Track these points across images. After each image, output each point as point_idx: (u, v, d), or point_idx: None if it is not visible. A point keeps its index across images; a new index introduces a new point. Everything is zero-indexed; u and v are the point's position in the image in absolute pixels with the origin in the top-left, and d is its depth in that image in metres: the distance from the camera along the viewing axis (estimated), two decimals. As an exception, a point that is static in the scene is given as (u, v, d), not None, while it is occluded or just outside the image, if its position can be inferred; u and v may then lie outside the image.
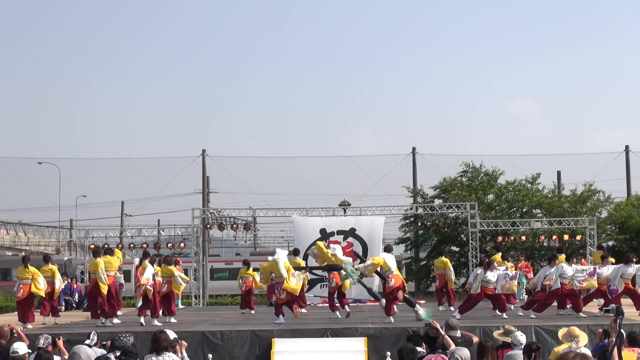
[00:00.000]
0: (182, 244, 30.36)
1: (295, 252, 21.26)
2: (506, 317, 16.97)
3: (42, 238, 58.33)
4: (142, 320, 16.97)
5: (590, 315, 17.13)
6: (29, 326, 17.07)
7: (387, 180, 56.54)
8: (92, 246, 27.31)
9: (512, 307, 19.56)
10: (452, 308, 20.48)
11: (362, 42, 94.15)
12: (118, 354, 9.77)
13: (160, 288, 17.92)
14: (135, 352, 9.78)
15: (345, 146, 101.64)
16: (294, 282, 17.24)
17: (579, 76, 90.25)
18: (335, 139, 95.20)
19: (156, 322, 16.86)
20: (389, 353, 14.15)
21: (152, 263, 19.97)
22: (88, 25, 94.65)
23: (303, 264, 18.58)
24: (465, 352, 9.03)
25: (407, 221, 37.43)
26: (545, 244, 31.78)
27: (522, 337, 10.21)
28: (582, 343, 9.65)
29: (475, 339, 11.12)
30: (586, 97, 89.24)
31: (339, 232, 25.44)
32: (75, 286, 27.43)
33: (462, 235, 33.50)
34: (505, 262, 21.32)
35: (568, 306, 17.98)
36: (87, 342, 11.11)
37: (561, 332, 10.01)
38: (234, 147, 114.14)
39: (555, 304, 18.08)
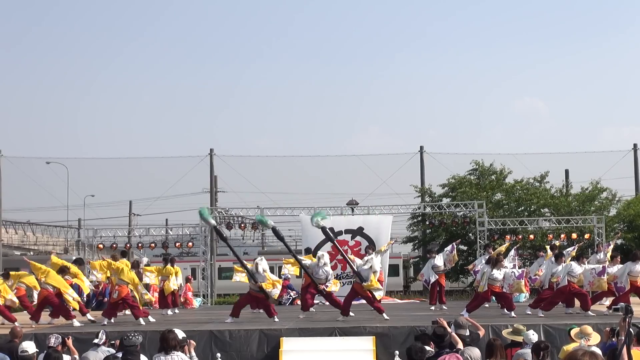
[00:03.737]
0: (190, 244, 30.45)
1: (307, 251, 21.32)
2: (514, 315, 16.93)
3: (50, 238, 58.42)
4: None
5: (599, 314, 17.05)
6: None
7: (395, 179, 56.41)
8: (101, 245, 27.40)
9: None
10: (444, 307, 20.71)
11: (370, 40, 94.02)
12: (121, 354, 9.80)
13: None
14: (138, 352, 9.72)
15: (353, 145, 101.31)
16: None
17: (586, 74, 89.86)
18: (342, 137, 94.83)
19: (142, 322, 16.95)
20: (397, 352, 14.11)
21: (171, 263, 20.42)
22: (93, 24, 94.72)
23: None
24: (475, 351, 9.02)
25: (415, 220, 37.43)
26: (553, 242, 31.64)
27: (533, 336, 10.21)
28: (594, 342, 9.66)
29: (482, 332, 11.11)
30: (594, 95, 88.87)
31: (347, 231, 25.42)
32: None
33: (470, 234, 33.47)
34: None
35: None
36: (96, 341, 11.15)
37: (574, 331, 10.06)
38: (241, 146, 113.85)
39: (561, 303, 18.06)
